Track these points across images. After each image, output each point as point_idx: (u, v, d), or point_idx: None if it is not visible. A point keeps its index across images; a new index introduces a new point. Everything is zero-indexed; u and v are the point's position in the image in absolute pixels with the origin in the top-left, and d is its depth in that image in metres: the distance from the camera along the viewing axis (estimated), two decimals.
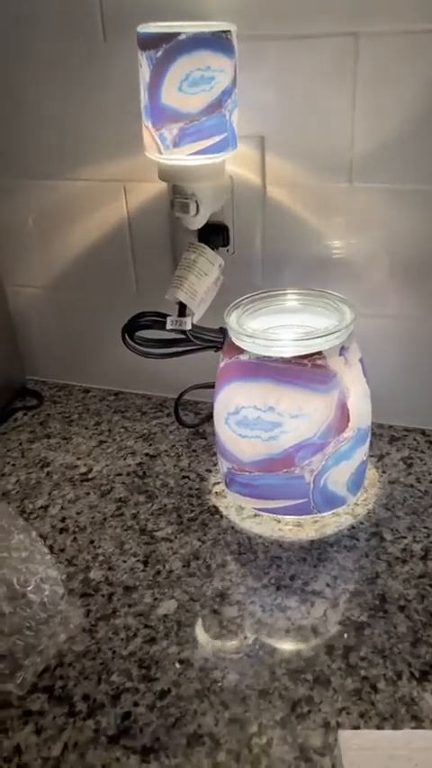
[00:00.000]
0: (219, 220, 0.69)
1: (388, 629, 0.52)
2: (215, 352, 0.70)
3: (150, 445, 0.76)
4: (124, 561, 0.60)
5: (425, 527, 0.62)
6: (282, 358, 0.56)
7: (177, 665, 0.50)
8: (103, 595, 0.56)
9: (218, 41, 0.54)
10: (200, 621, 0.53)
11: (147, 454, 0.74)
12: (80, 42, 0.67)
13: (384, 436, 0.75)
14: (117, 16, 0.65)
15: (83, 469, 0.72)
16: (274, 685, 0.48)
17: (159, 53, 0.54)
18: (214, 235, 0.68)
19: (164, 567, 0.59)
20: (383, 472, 0.69)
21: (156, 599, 0.56)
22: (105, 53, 0.66)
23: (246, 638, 0.52)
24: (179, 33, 0.53)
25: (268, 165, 0.67)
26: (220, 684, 0.48)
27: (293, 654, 0.50)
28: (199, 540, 0.62)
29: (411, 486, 0.67)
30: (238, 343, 0.58)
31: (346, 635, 0.51)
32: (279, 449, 0.58)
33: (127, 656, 0.51)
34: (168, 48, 0.54)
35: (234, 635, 0.52)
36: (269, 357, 0.56)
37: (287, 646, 0.51)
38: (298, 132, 0.64)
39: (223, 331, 0.69)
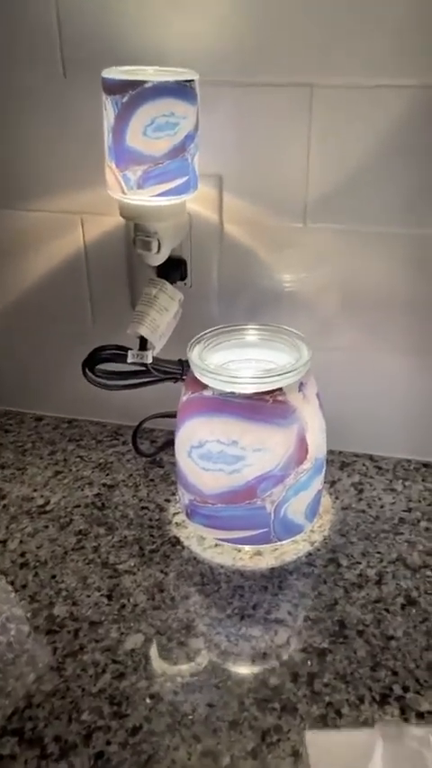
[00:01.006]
0: (177, 255, 0.70)
1: (348, 655, 0.54)
2: (174, 383, 0.71)
3: (107, 475, 0.76)
4: (88, 596, 0.60)
5: (377, 552, 0.65)
6: (244, 394, 0.58)
7: (148, 700, 0.51)
8: (68, 632, 0.56)
9: (182, 90, 0.56)
10: (167, 655, 0.54)
11: (104, 484, 0.75)
12: (40, 76, 0.67)
13: (336, 462, 0.78)
14: (77, 54, 0.65)
15: (40, 501, 0.72)
16: (243, 716, 0.49)
17: (125, 99, 0.55)
18: (173, 269, 0.70)
19: (128, 600, 0.59)
20: (336, 498, 0.72)
21: (122, 633, 0.56)
22: (65, 89, 0.67)
23: (213, 669, 0.53)
24: (145, 81, 0.55)
25: (226, 204, 0.69)
26: (191, 717, 0.49)
27: (260, 683, 0.52)
28: (162, 572, 0.63)
29: (363, 511, 0.70)
30: (202, 379, 0.59)
31: (309, 662, 0.54)
32: (241, 481, 0.60)
33: (97, 694, 0.51)
34: (134, 94, 0.55)
35: (202, 666, 0.53)
36: (232, 393, 0.58)
37: (254, 675, 0.53)
38: (255, 174, 0.67)
39: (182, 363, 0.70)
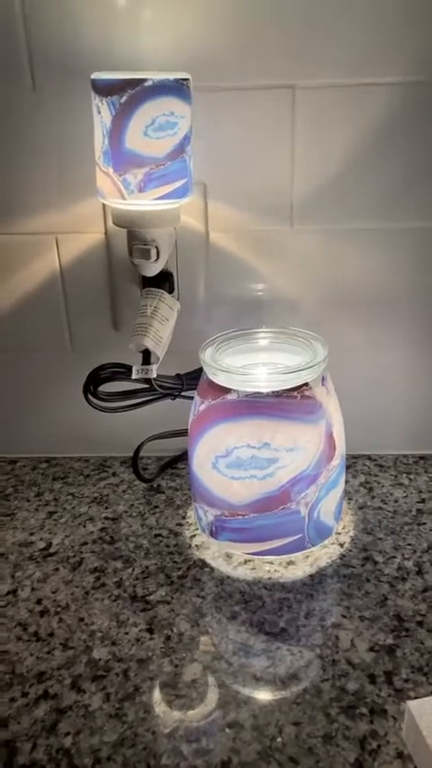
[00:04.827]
0: (164, 267, 0.68)
1: (417, 647, 0.52)
2: (172, 399, 0.68)
3: (107, 508, 0.71)
4: (126, 633, 0.54)
5: (408, 544, 0.64)
6: (273, 392, 0.56)
7: (227, 731, 0.46)
8: (117, 674, 0.51)
9: (180, 88, 0.55)
10: (233, 678, 0.50)
11: (107, 518, 0.69)
12: (8, 90, 0.64)
13: None
14: (45, 66, 0.63)
15: (41, 545, 0.66)
16: (334, 727, 0.46)
17: (124, 98, 0.53)
18: (161, 282, 0.67)
19: (172, 630, 0.54)
20: (350, 499, 0.71)
21: (176, 666, 0.51)
22: (33, 102, 0.64)
23: (285, 685, 0.49)
24: (145, 79, 0.53)
25: (210, 212, 0.68)
26: (280, 740, 0.45)
27: (340, 691, 0.49)
28: (198, 596, 0.58)
29: (380, 508, 0.69)
30: (223, 383, 0.57)
31: (381, 661, 0.51)
32: (276, 485, 0.57)
33: (170, 734, 0.46)
34: (134, 93, 0.53)
35: (273, 685, 0.49)
36: (259, 393, 0.56)
37: (331, 684, 0.49)
38: (239, 179, 0.66)
39: (181, 378, 0.68)
